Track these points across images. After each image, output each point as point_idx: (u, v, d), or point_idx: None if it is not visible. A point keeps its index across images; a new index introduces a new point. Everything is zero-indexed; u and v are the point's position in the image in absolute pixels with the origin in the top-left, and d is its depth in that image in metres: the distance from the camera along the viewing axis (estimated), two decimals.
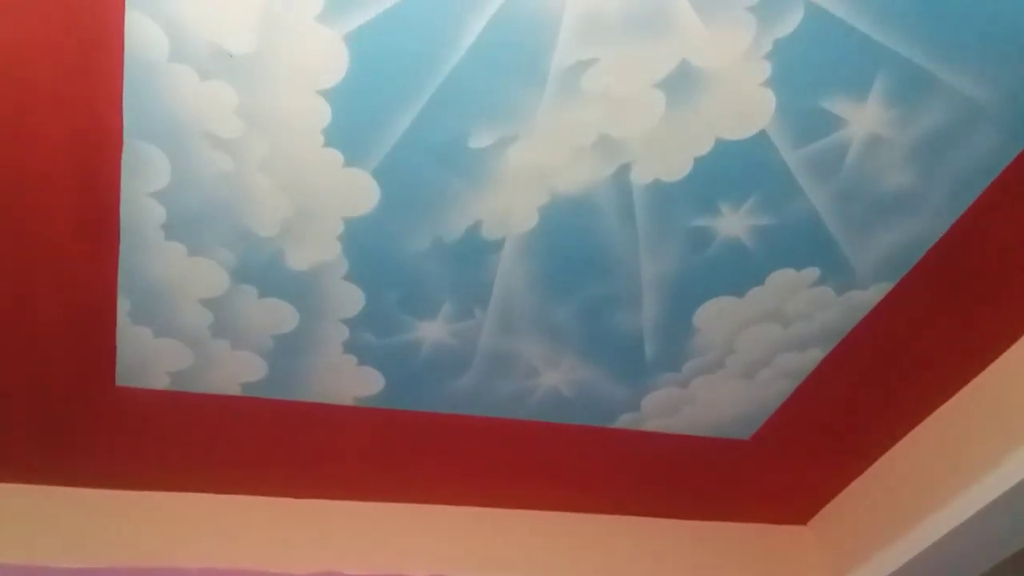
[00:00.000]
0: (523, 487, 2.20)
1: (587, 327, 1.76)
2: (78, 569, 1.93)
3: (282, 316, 1.69)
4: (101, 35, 1.27)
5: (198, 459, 1.98)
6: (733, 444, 2.13)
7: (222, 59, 1.29)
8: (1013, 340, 1.82)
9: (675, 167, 1.48)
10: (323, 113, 1.37)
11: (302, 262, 1.59)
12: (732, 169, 1.49)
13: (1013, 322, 1.79)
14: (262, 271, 1.60)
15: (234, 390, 1.83)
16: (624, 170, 1.48)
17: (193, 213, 1.49)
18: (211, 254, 1.56)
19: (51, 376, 1.75)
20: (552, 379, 1.88)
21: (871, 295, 1.75)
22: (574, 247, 1.60)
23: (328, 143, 1.41)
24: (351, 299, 1.67)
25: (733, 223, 1.58)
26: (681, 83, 1.36)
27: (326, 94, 1.35)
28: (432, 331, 1.74)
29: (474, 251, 1.59)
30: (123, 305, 1.62)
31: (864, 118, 1.42)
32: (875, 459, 2.20)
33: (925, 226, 1.61)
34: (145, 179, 1.44)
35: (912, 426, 2.09)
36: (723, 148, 1.45)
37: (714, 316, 1.76)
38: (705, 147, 1.46)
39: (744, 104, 1.40)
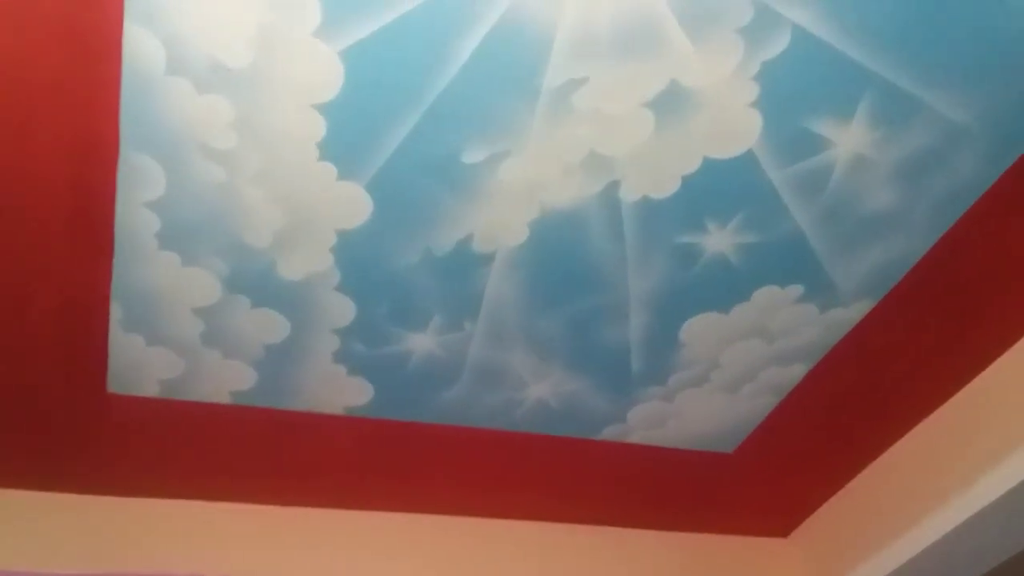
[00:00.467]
0: (509, 498, 2.21)
1: (575, 340, 1.78)
2: (68, 575, 1.93)
3: (274, 326, 1.70)
4: (99, 47, 1.28)
5: (188, 466, 1.99)
6: (717, 457, 2.15)
7: (219, 72, 1.31)
8: (992, 359, 1.85)
9: (663, 184, 1.51)
10: (318, 127, 1.39)
11: (295, 273, 1.60)
12: (719, 187, 1.51)
13: (992, 341, 1.83)
14: (255, 281, 1.61)
15: (224, 398, 1.84)
16: (613, 187, 1.50)
17: (187, 223, 1.51)
18: (204, 264, 1.57)
19: (42, 381, 1.76)
20: (540, 391, 1.90)
21: (854, 312, 1.78)
22: (563, 261, 1.62)
23: (322, 156, 1.43)
24: (342, 310, 1.69)
25: (720, 240, 1.61)
26: (670, 103, 1.39)
27: (321, 108, 1.37)
28: (422, 342, 1.76)
29: (465, 264, 1.61)
30: (115, 313, 1.64)
31: (849, 139, 1.45)
32: (856, 473, 2.23)
33: (907, 245, 1.64)
34: (140, 189, 1.46)
35: (892, 442, 2.12)
36: (710, 167, 1.48)
37: (700, 331, 1.79)
38: (693, 165, 1.48)
39: (731, 124, 1.42)
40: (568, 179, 1.49)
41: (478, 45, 1.30)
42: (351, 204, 1.51)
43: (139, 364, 1.74)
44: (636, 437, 2.05)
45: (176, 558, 2.02)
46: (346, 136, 1.41)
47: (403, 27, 1.27)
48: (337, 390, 1.86)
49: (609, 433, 2.03)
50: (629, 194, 1.52)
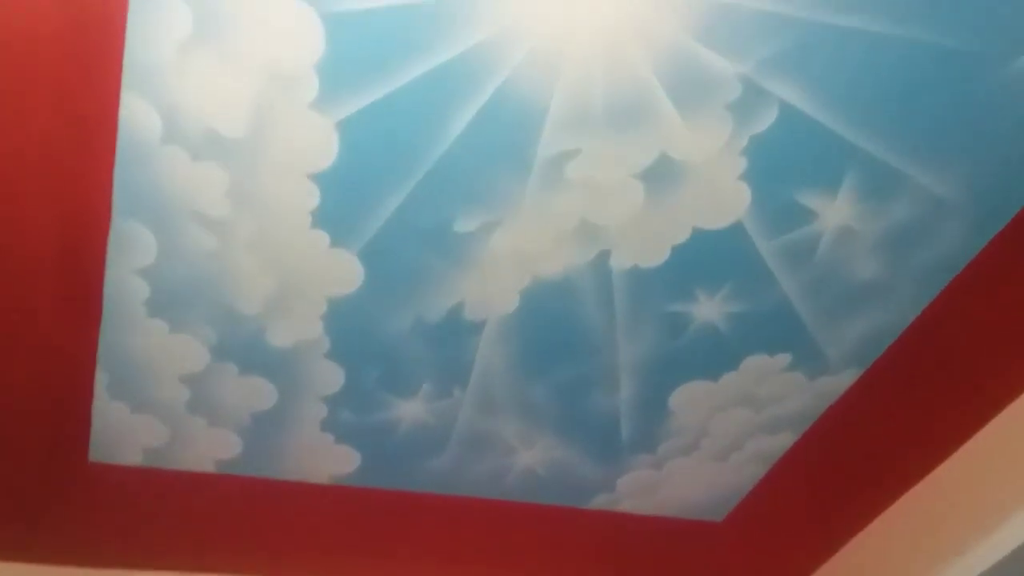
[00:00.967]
0: (496, 569, 2.17)
1: (564, 408, 1.77)
2: None
3: (261, 393, 1.69)
4: (95, 115, 1.29)
5: (170, 537, 1.95)
6: (705, 526, 2.14)
7: (215, 142, 1.32)
8: (979, 426, 1.86)
9: (653, 254, 1.53)
10: (312, 196, 1.40)
11: (284, 340, 1.60)
12: (709, 257, 1.53)
13: (980, 409, 1.84)
14: (243, 348, 1.60)
15: (209, 467, 1.81)
16: (604, 256, 1.52)
17: (177, 290, 1.50)
18: (193, 331, 1.56)
19: (23, 450, 1.72)
20: (528, 459, 1.88)
21: (841, 381, 1.79)
22: (553, 330, 1.62)
23: (315, 224, 1.44)
24: (331, 377, 1.67)
25: (709, 309, 1.62)
26: (661, 174, 1.41)
27: (316, 178, 1.38)
28: (411, 410, 1.75)
29: (455, 332, 1.61)
30: (101, 380, 1.62)
31: (835, 212, 1.48)
32: (845, 542, 2.21)
33: (893, 315, 1.66)
34: (131, 256, 1.45)
35: (881, 510, 2.11)
36: (700, 237, 1.50)
37: (689, 399, 1.79)
38: (683, 236, 1.50)
39: (721, 196, 1.45)
40: (559, 248, 1.50)
41: (473, 117, 1.32)
42: (343, 272, 1.51)
43: (123, 432, 1.72)
44: (625, 506, 2.03)
45: None
46: (339, 205, 1.41)
47: (399, 99, 1.29)
48: (323, 458, 1.83)
49: (598, 502, 2.01)
50: (620, 263, 1.53)
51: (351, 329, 1.59)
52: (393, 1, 1.19)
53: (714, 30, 1.24)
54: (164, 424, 1.71)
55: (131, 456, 1.77)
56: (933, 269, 1.58)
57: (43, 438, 1.70)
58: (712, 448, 1.91)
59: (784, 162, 1.41)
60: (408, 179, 1.39)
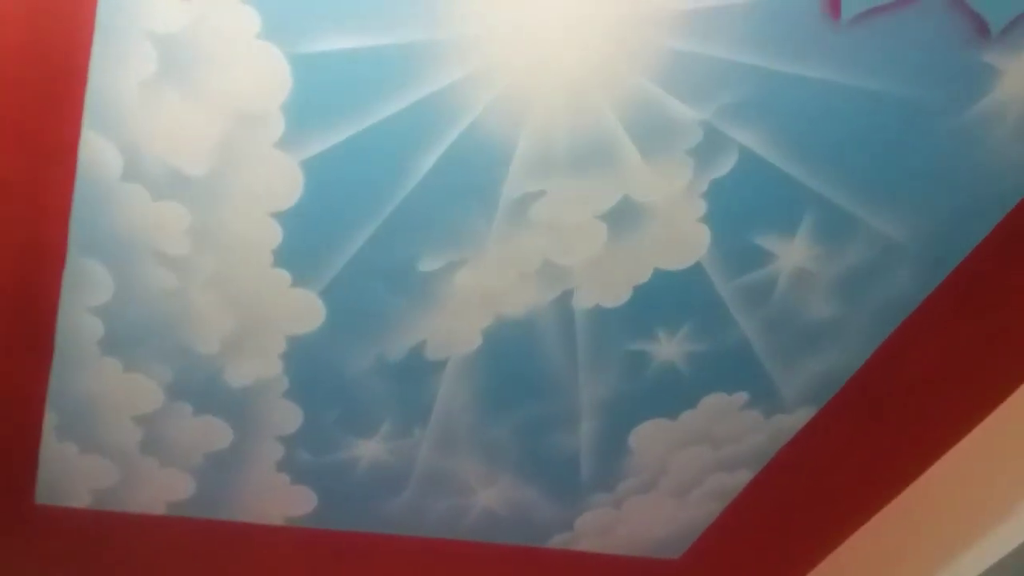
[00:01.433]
0: None
1: (525, 447, 1.77)
2: None
3: (216, 433, 1.66)
4: (54, 151, 1.27)
5: None
6: (663, 564, 2.14)
7: (177, 180, 1.30)
8: (931, 462, 1.90)
9: (615, 294, 1.54)
10: (274, 234, 1.39)
11: (242, 379, 1.57)
12: (669, 297, 1.55)
13: (931, 445, 1.88)
14: (199, 388, 1.57)
15: (159, 509, 1.77)
16: (567, 295, 1.52)
17: (133, 329, 1.47)
18: (147, 370, 1.53)
19: None
20: (488, 498, 1.87)
21: (796, 419, 1.81)
22: (515, 368, 1.62)
23: (277, 263, 1.42)
24: (289, 417, 1.65)
25: (669, 348, 1.63)
26: (623, 216, 1.43)
27: (279, 216, 1.37)
28: (369, 449, 1.73)
29: (416, 371, 1.60)
30: (50, 420, 1.57)
31: (792, 254, 1.51)
32: None
33: (847, 354, 1.69)
34: (86, 294, 1.42)
35: (836, 545, 2.14)
36: (661, 277, 1.52)
37: (648, 437, 1.80)
38: (644, 276, 1.52)
39: (681, 237, 1.47)
40: (523, 287, 1.50)
41: (439, 158, 1.32)
42: (303, 310, 1.49)
43: (71, 473, 1.67)
44: (584, 544, 2.02)
45: None
46: (302, 244, 1.40)
47: (366, 140, 1.29)
48: (279, 499, 1.80)
49: (557, 541, 2.00)
50: (582, 302, 1.54)
51: (311, 368, 1.57)
52: (361, 43, 1.19)
53: (676, 77, 1.27)
54: (115, 465, 1.67)
55: (79, 498, 1.72)
56: (886, 310, 1.62)
57: None
58: (670, 486, 1.92)
59: (743, 205, 1.43)
60: (373, 218, 1.39)
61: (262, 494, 1.78)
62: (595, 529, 1.99)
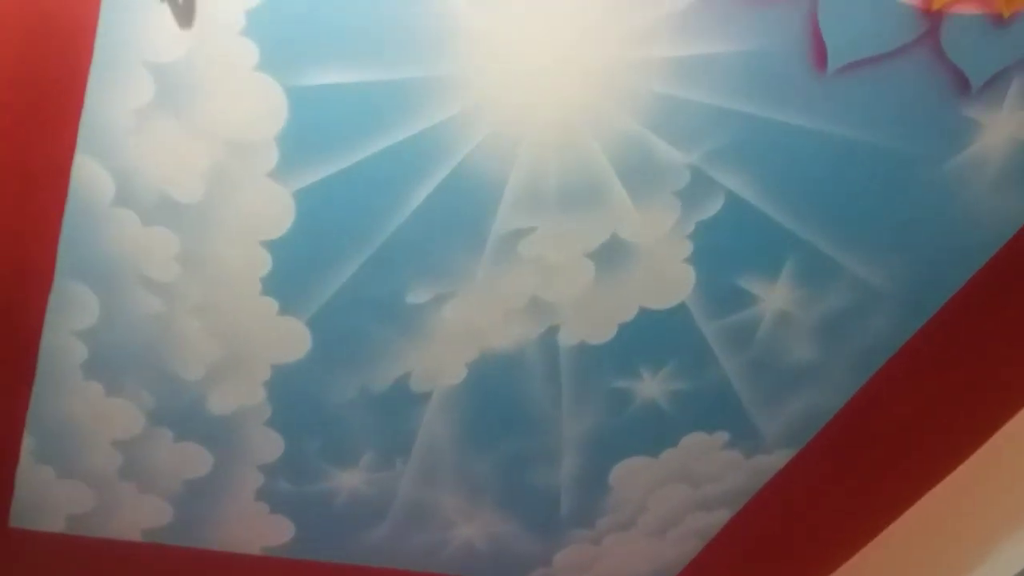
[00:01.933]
0: None
1: (506, 481, 1.77)
2: None
3: (196, 460, 1.65)
4: (46, 174, 1.27)
5: None
6: None
7: (168, 206, 1.31)
8: (908, 506, 1.92)
9: (600, 331, 1.55)
10: (264, 262, 1.39)
11: (224, 407, 1.57)
12: (653, 336, 1.56)
13: (907, 489, 1.90)
14: (181, 414, 1.57)
15: (135, 536, 1.75)
16: (552, 331, 1.54)
17: (117, 353, 1.47)
18: (130, 395, 1.53)
19: None
20: (467, 532, 1.87)
21: (776, 459, 1.83)
22: (499, 403, 1.63)
23: (265, 291, 1.43)
24: (270, 445, 1.65)
25: (651, 386, 1.65)
26: (610, 255, 1.44)
27: (268, 245, 1.38)
28: (350, 480, 1.72)
29: (400, 402, 1.60)
30: (28, 443, 1.56)
31: (775, 296, 1.53)
32: None
33: (827, 397, 1.71)
34: (71, 318, 1.42)
35: None
36: (646, 316, 1.53)
37: (629, 475, 1.80)
38: (629, 314, 1.53)
39: (667, 277, 1.49)
40: (509, 322, 1.51)
41: (431, 192, 1.34)
42: (290, 339, 1.49)
43: (47, 498, 1.65)
44: None
45: None
46: (291, 272, 1.41)
47: (359, 172, 1.31)
48: (256, 529, 1.79)
49: None
50: (567, 339, 1.55)
51: (294, 397, 1.57)
52: (358, 78, 1.21)
53: (665, 121, 1.29)
54: (92, 490, 1.65)
55: (54, 523, 1.70)
56: (865, 354, 1.64)
57: None
58: (649, 524, 1.92)
59: (728, 247, 1.45)
60: (363, 249, 1.39)
61: (239, 523, 1.77)
62: (573, 565, 1.98)
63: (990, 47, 1.23)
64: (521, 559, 1.95)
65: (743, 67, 1.23)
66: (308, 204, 1.33)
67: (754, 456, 1.81)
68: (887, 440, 1.79)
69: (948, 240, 1.46)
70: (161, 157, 1.26)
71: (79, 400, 1.51)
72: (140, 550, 1.78)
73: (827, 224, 1.43)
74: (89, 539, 1.73)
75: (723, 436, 1.76)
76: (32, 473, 1.60)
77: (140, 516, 1.72)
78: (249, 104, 1.21)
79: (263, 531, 1.79)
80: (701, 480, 1.84)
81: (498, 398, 1.62)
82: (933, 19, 1.20)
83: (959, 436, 1.79)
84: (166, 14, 1.12)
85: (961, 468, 1.84)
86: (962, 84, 1.27)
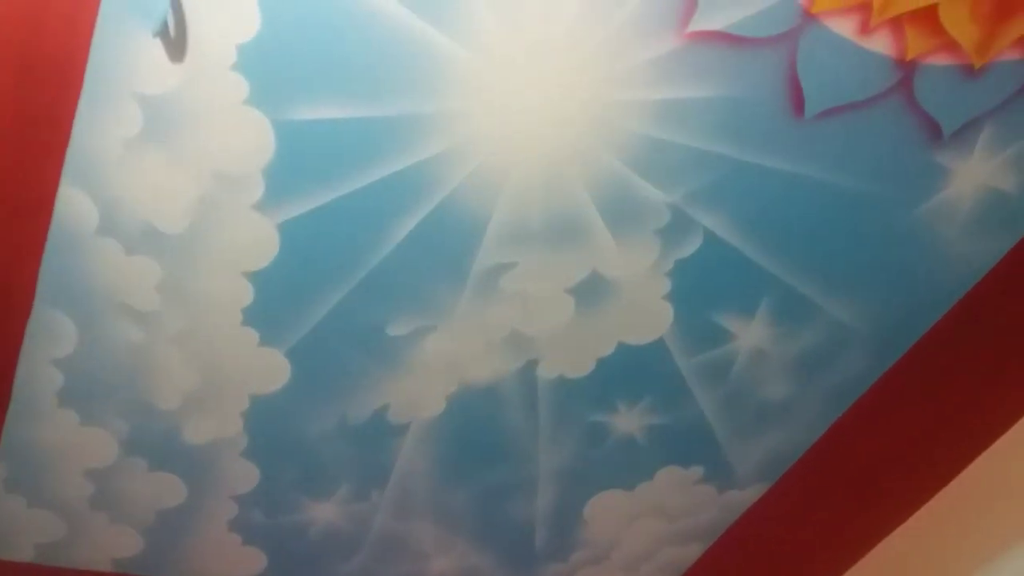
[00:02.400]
0: None
1: (482, 514, 1.77)
2: None
3: (169, 490, 1.63)
4: (30, 201, 1.27)
5: None
6: None
7: (152, 236, 1.31)
8: (876, 541, 1.95)
9: (579, 365, 1.57)
10: (246, 293, 1.40)
11: (200, 436, 1.56)
12: (631, 371, 1.58)
13: (876, 524, 1.92)
14: (156, 443, 1.55)
15: (104, 566, 1.72)
16: (531, 365, 1.55)
17: (93, 382, 1.46)
18: (105, 424, 1.51)
19: None
20: (441, 565, 1.86)
21: (749, 494, 1.85)
22: (477, 435, 1.64)
23: (246, 322, 1.43)
24: (246, 476, 1.63)
25: (628, 420, 1.66)
26: (590, 290, 1.46)
27: (251, 276, 1.38)
28: (325, 512, 1.72)
29: (378, 434, 1.60)
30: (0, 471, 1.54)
31: (751, 334, 1.55)
32: None
33: (799, 433, 1.74)
34: (49, 345, 1.41)
35: None
36: (624, 351, 1.55)
37: (604, 509, 1.81)
38: (608, 349, 1.55)
39: (645, 313, 1.51)
40: (489, 356, 1.52)
41: (414, 227, 1.35)
42: (269, 369, 1.49)
43: (15, 527, 1.62)
44: None
45: None
46: (273, 304, 1.41)
47: (344, 206, 1.32)
48: (228, 560, 1.77)
49: None
50: (546, 372, 1.56)
51: (271, 428, 1.57)
52: (346, 114, 1.22)
53: (648, 161, 1.32)
54: (62, 519, 1.63)
55: (22, 552, 1.67)
56: (837, 391, 1.67)
57: None
58: (622, 558, 1.92)
59: (706, 285, 1.48)
60: (345, 282, 1.40)
61: (212, 554, 1.75)
62: None
63: (961, 97, 1.27)
64: None
65: (724, 111, 1.27)
66: (292, 236, 1.34)
67: (728, 491, 1.83)
68: (858, 476, 1.82)
69: (919, 282, 1.49)
70: (147, 188, 1.26)
71: (53, 428, 1.50)
72: None
73: (802, 264, 1.46)
74: (58, 569, 1.70)
75: (698, 471, 1.78)
76: (2, 502, 1.58)
77: (111, 546, 1.69)
78: (237, 137, 1.22)
79: (236, 562, 1.77)
80: (675, 514, 1.86)
81: (476, 431, 1.63)
82: (907, 69, 1.24)
83: (928, 473, 1.82)
84: (158, 47, 1.13)
85: (930, 504, 1.87)
86: (934, 132, 1.31)
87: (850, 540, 1.96)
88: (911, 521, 1.87)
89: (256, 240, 1.34)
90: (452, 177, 1.30)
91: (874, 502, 1.87)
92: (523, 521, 1.80)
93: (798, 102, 1.27)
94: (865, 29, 1.20)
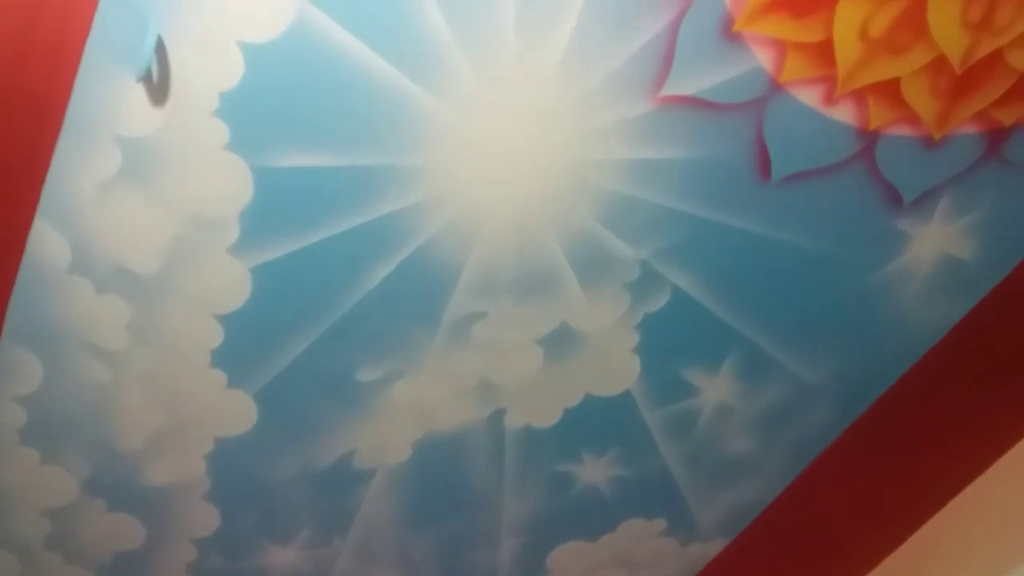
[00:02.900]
0: None
1: (444, 562, 1.76)
2: None
3: (128, 532, 1.61)
4: (1, 238, 1.26)
5: None
6: None
7: (123, 276, 1.31)
8: None
9: (546, 415, 1.58)
10: (215, 335, 1.40)
11: (162, 478, 1.54)
12: (597, 422, 1.59)
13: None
14: (117, 484, 1.54)
15: None
16: (499, 414, 1.56)
17: (56, 420, 1.44)
18: (66, 463, 1.49)
19: None
20: None
21: (711, 548, 1.86)
22: (442, 483, 1.63)
23: (214, 364, 1.42)
24: (206, 519, 1.62)
25: (593, 471, 1.67)
26: (559, 342, 1.48)
27: (221, 319, 1.38)
28: (285, 557, 1.70)
29: (343, 480, 1.60)
30: None
31: (715, 388, 1.58)
32: None
33: (762, 488, 1.76)
34: (12, 382, 1.39)
35: None
36: (591, 402, 1.57)
37: (566, 559, 1.81)
38: (575, 400, 1.56)
39: (613, 366, 1.53)
40: (457, 403, 1.53)
41: (388, 274, 1.36)
42: (236, 412, 1.49)
43: None
44: None
45: None
46: (242, 347, 1.41)
47: (318, 251, 1.33)
48: None
49: None
50: (513, 422, 1.57)
51: (235, 471, 1.55)
52: (325, 162, 1.24)
53: (619, 218, 1.34)
54: (16, 559, 1.60)
55: None
56: (799, 447, 1.70)
57: None
58: None
59: (673, 340, 1.50)
60: (315, 327, 1.41)
61: None
62: None
63: (921, 166, 1.32)
64: None
65: (694, 172, 1.30)
66: (264, 280, 1.35)
67: (690, 544, 1.84)
68: (819, 530, 1.84)
69: (880, 341, 1.53)
70: (121, 228, 1.26)
71: (13, 466, 1.47)
72: None
73: (767, 322, 1.49)
74: None
75: (661, 523, 1.79)
76: None
77: None
78: (215, 181, 1.23)
79: None
80: (638, 566, 1.86)
81: (441, 478, 1.63)
82: (869, 138, 1.28)
83: (888, 527, 1.85)
84: (140, 90, 1.14)
85: (891, 557, 1.89)
86: (894, 198, 1.35)
87: None
88: (873, 575, 1.90)
89: (228, 283, 1.34)
90: (427, 227, 1.31)
91: (836, 556, 1.89)
92: (486, 570, 1.79)
93: (765, 166, 1.31)
94: (830, 99, 1.24)
